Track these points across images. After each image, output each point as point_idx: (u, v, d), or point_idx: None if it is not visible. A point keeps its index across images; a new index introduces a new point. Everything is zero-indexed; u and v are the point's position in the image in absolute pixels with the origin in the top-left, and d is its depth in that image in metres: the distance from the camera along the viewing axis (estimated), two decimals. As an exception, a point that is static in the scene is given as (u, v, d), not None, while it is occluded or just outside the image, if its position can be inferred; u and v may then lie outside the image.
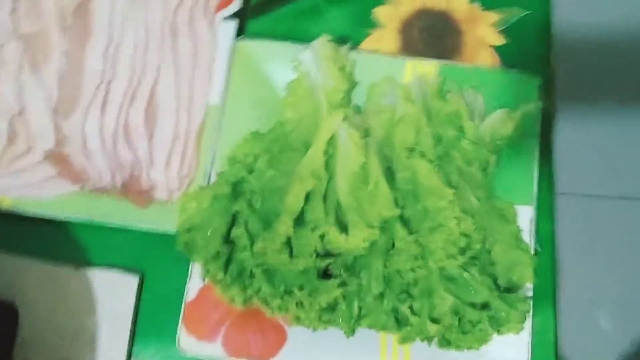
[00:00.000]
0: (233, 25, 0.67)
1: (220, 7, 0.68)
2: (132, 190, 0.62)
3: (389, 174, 0.59)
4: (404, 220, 0.56)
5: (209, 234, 0.58)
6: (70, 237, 0.64)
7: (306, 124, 0.62)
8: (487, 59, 0.67)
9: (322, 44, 0.62)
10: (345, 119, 0.60)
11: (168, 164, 0.63)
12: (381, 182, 0.57)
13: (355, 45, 0.68)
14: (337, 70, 0.62)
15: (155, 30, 0.67)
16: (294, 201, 0.56)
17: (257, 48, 0.66)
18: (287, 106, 0.63)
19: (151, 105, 0.65)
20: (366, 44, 0.69)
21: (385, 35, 0.69)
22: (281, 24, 0.70)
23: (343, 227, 0.56)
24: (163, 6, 0.68)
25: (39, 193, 0.62)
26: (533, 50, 0.67)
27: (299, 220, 0.56)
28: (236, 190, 0.60)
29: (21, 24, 0.68)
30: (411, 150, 0.59)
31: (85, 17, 0.67)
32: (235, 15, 0.67)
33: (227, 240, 0.58)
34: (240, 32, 0.67)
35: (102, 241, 0.63)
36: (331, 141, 0.60)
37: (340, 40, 0.68)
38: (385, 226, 0.56)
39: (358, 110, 0.64)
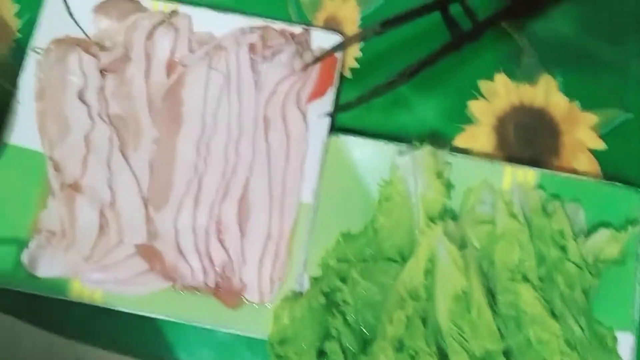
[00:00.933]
0: (326, 120, 0.65)
1: (311, 98, 0.67)
2: (224, 290, 0.62)
3: (489, 294, 0.58)
4: (506, 350, 0.55)
5: (303, 346, 0.58)
6: (158, 333, 0.63)
7: (401, 232, 0.61)
8: (585, 164, 0.65)
9: (423, 153, 0.61)
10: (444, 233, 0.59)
11: (261, 265, 0.62)
12: (484, 309, 0.56)
13: (448, 141, 0.67)
14: (436, 180, 0.60)
15: (247, 122, 0.66)
16: (395, 329, 0.55)
17: (351, 145, 0.65)
18: (381, 212, 0.62)
19: (244, 202, 0.64)
20: (459, 140, 0.67)
21: (479, 132, 0.67)
22: (371, 114, 0.68)
23: (442, 352, 0.56)
24: (256, 96, 0.66)
25: (129, 289, 0.62)
26: (636, 159, 0.65)
27: (398, 343, 0.56)
28: (330, 299, 0.60)
29: (109, 104, 0.67)
30: (513, 271, 0.58)
31: (175, 103, 0.66)
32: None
33: (321, 353, 0.58)
34: (330, 121, 0.66)
35: (190, 339, 0.63)
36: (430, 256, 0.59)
37: (432, 135, 0.67)
38: (487, 357, 0.55)
39: (453, 214, 0.63)
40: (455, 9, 0.65)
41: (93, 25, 0.69)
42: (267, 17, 0.69)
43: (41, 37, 0.68)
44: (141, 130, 0.66)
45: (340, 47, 0.65)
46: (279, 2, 0.71)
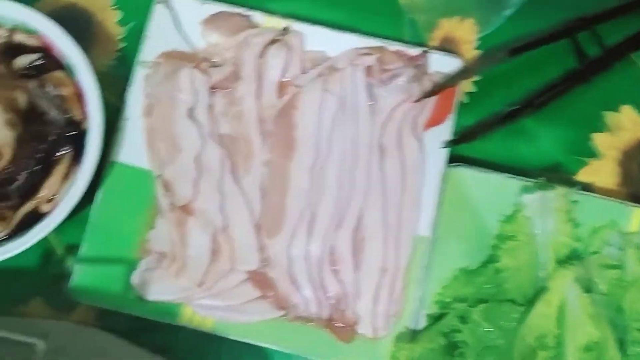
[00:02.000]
0: (444, 151, 0.63)
1: (428, 125, 0.64)
2: (337, 323, 0.61)
3: (618, 342, 0.56)
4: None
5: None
6: (267, 362, 0.63)
7: (525, 274, 0.59)
8: None
9: (555, 195, 0.58)
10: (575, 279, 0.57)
11: (376, 299, 0.61)
12: (617, 362, 0.54)
13: (569, 176, 0.64)
14: (567, 223, 0.58)
15: (362, 148, 0.63)
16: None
17: (470, 177, 0.62)
18: (504, 251, 0.60)
19: (358, 232, 0.62)
20: (582, 174, 0.65)
21: (603, 167, 0.65)
22: (487, 142, 0.65)
23: (571, 405, 0.54)
24: (371, 121, 0.64)
25: (240, 317, 0.61)
26: None
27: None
28: (449, 340, 0.58)
29: (219, 124, 0.65)
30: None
31: (288, 126, 0.64)
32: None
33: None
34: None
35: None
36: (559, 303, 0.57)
37: (554, 168, 0.65)
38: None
39: (577, 255, 0.60)
40: (583, 37, 0.62)
41: (201, 39, 0.67)
42: (380, 35, 0.66)
43: (149, 50, 0.65)
44: (252, 152, 0.64)
45: (463, 76, 0.62)
46: (393, 20, 0.69)
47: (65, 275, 0.64)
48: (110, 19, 0.69)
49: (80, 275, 0.61)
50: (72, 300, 0.62)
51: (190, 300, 0.61)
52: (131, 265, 0.62)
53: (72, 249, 0.64)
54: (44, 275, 0.64)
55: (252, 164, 0.64)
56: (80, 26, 0.66)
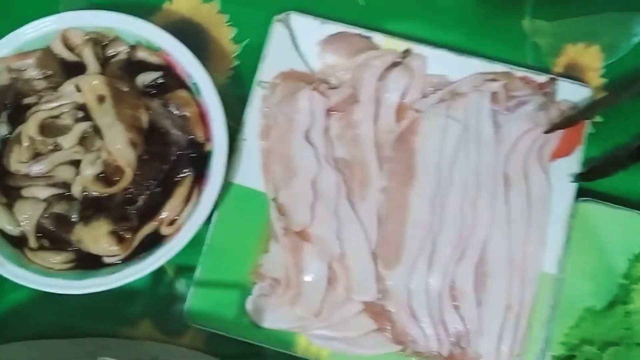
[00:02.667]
0: (571, 184, 0.60)
1: (555, 156, 0.62)
2: (457, 360, 0.59)
3: None
4: None
5: None
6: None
7: (660, 318, 0.56)
8: None
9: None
10: None
11: (500, 338, 0.58)
12: None
13: None
14: None
15: (486, 178, 0.61)
16: None
17: (599, 213, 0.60)
18: (637, 293, 0.57)
19: (480, 266, 0.60)
20: None
21: None
22: (617, 176, 0.62)
23: None
24: (495, 149, 0.62)
25: (357, 349, 0.59)
26: None
27: None
28: (578, 386, 0.56)
29: (335, 147, 0.64)
30: None
31: (407, 152, 0.62)
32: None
33: None
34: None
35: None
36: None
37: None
38: None
39: None
40: None
41: (318, 59, 0.65)
42: (501, 59, 0.63)
43: (267, 70, 0.64)
44: (369, 178, 0.62)
45: (598, 108, 0.60)
46: (516, 43, 0.66)
47: (176, 298, 0.63)
48: (225, 36, 0.68)
49: (195, 298, 0.60)
50: (182, 324, 0.61)
51: (306, 330, 0.60)
52: (244, 290, 0.61)
53: (183, 270, 0.63)
54: (154, 297, 0.63)
55: (369, 190, 0.62)
56: (194, 42, 0.65)
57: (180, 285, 0.63)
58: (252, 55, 0.66)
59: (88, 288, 0.56)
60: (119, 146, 0.57)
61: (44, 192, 0.58)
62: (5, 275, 0.56)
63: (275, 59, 0.64)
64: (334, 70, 0.65)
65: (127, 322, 0.63)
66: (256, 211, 0.63)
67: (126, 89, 0.59)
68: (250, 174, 0.63)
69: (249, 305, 0.60)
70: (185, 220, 0.57)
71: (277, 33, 0.64)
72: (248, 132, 0.63)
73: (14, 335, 0.63)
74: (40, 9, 0.64)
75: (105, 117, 0.58)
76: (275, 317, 0.60)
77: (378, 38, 0.65)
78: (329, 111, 0.64)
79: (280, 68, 0.64)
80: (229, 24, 0.68)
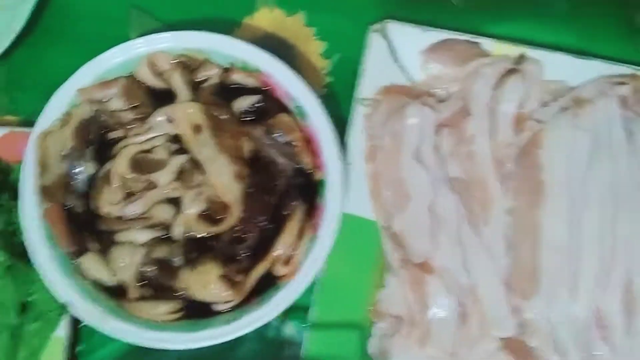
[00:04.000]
0: None
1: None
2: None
3: None
4: None
5: None
6: None
7: None
8: None
9: None
10: None
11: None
12: None
13: None
14: None
15: (623, 192, 0.55)
16: None
17: None
18: None
19: (629, 291, 0.54)
20: None
21: None
22: None
23: None
24: (630, 160, 0.56)
25: (497, 390, 0.53)
26: None
27: None
28: None
29: (448, 166, 0.58)
30: None
31: (533, 167, 0.56)
32: None
33: None
34: None
35: None
36: None
37: None
38: None
39: None
40: None
41: (420, 70, 0.59)
42: (623, 60, 0.58)
43: (367, 86, 0.58)
44: (490, 199, 0.56)
45: None
46: (628, 41, 0.60)
47: (285, 342, 0.57)
48: (314, 51, 0.62)
49: (313, 343, 0.54)
50: (295, 370, 0.55)
51: (440, 372, 0.54)
52: (363, 330, 0.55)
53: (291, 311, 0.57)
54: (262, 342, 0.57)
55: (492, 213, 0.56)
56: (282, 60, 0.60)
57: (289, 328, 0.57)
58: (346, 70, 0.60)
59: (203, 341, 0.49)
60: (224, 180, 0.51)
61: (142, 236, 0.52)
62: (108, 332, 0.50)
63: (375, 73, 0.59)
64: (439, 82, 0.60)
65: (234, 370, 0.57)
66: (368, 242, 0.57)
67: (225, 117, 0.53)
68: (358, 200, 0.57)
69: (371, 347, 0.54)
70: (303, 257, 0.51)
71: (374, 45, 0.59)
72: (352, 155, 0.57)
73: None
74: (110, 35, 0.59)
75: (205, 148, 0.52)
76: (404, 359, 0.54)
77: (488, 43, 0.59)
78: (437, 127, 0.58)
79: (380, 82, 0.59)
80: (317, 37, 0.62)
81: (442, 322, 0.54)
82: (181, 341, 0.50)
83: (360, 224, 0.57)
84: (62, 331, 0.54)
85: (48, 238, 0.51)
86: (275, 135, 0.54)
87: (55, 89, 0.57)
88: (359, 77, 0.58)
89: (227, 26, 0.62)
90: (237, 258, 0.52)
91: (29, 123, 0.60)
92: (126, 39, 0.57)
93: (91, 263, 0.51)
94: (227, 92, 0.55)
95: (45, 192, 0.52)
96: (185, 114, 0.53)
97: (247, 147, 0.53)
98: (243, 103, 0.54)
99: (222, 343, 0.54)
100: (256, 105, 0.54)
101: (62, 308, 0.54)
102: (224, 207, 0.52)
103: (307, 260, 0.51)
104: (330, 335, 0.55)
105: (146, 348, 0.51)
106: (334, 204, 0.52)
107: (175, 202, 0.53)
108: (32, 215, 0.51)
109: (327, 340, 0.55)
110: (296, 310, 0.56)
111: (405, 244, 0.56)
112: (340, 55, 0.62)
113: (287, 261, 0.52)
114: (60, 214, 0.52)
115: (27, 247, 0.50)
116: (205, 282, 0.50)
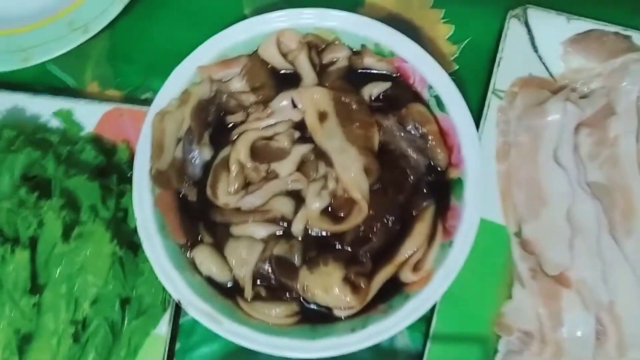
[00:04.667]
0: None
1: None
2: None
3: None
4: None
5: None
6: None
7: None
8: None
9: None
10: None
11: None
12: None
13: None
14: None
15: None
16: None
17: None
18: None
19: None
20: None
21: None
22: None
23: None
24: None
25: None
26: None
27: None
28: None
29: (587, 168, 0.52)
30: None
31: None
32: None
33: None
34: None
35: None
36: None
37: None
38: None
39: None
40: None
41: (561, 62, 0.54)
42: None
43: (502, 77, 0.53)
44: (634, 208, 0.51)
45: None
46: None
47: (398, 353, 0.53)
48: (441, 35, 0.57)
49: (433, 355, 0.50)
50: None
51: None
52: (487, 344, 0.51)
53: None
54: (374, 353, 0.53)
55: (636, 223, 0.51)
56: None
57: (402, 337, 0.53)
58: (475, 57, 0.56)
59: (324, 351, 0.45)
60: (352, 174, 0.47)
61: (261, 230, 0.47)
62: (223, 334, 0.46)
63: (511, 62, 0.54)
64: (579, 76, 0.54)
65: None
66: (495, 248, 0.52)
67: (355, 104, 0.48)
68: (486, 203, 0.52)
69: (503, 364, 0.50)
70: (436, 265, 0.47)
71: (512, 31, 0.54)
72: (482, 152, 0.52)
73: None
74: (217, 7, 0.55)
75: (332, 138, 0.48)
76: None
77: (639, 38, 0.53)
78: (576, 126, 0.53)
79: (517, 73, 0.54)
80: (445, 20, 0.57)
81: (577, 341, 0.49)
82: (301, 349, 0.45)
83: (487, 229, 0.52)
84: (162, 328, 0.51)
85: (160, 228, 0.47)
86: (407, 126, 0.49)
87: (159, 62, 0.53)
88: (495, 66, 0.53)
89: (350, 5, 0.56)
90: (359, 260, 0.47)
91: (133, 99, 0.57)
92: (236, 11, 0.53)
93: (205, 257, 0.47)
94: (355, 77, 0.50)
95: (159, 177, 0.48)
96: (311, 99, 0.48)
97: (376, 139, 0.48)
98: (373, 90, 0.50)
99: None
100: (387, 93, 0.50)
101: (166, 304, 0.51)
102: (348, 204, 0.47)
103: (441, 269, 0.46)
104: (452, 348, 0.50)
105: (247, 351, 0.47)
106: (473, 206, 0.47)
107: (293, 195, 0.48)
108: (146, 203, 0.47)
109: (448, 354, 0.50)
110: (412, 319, 0.52)
111: (538, 253, 0.51)
112: (469, 40, 0.57)
113: (415, 267, 0.47)
114: (174, 202, 0.48)
115: (139, 237, 0.46)
116: (328, 285, 0.46)
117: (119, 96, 0.57)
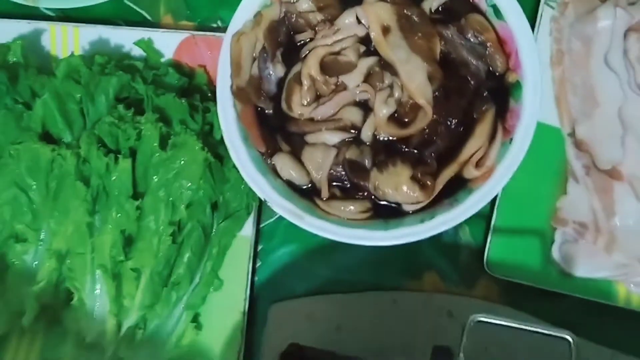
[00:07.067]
0: None
1: None
2: None
3: None
4: None
5: None
6: None
7: None
8: None
9: None
10: None
11: None
12: None
13: None
14: None
15: None
16: None
17: None
18: None
19: None
20: None
21: None
22: None
23: None
24: None
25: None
26: None
27: None
28: None
29: (636, 71, 0.55)
30: None
31: None
32: None
33: None
34: None
35: None
36: None
37: None
38: None
39: None
40: None
41: (610, -30, 0.56)
42: None
43: (552, -13, 0.56)
44: None
45: None
46: None
47: (460, 247, 0.58)
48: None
49: (495, 248, 0.55)
50: (471, 275, 0.56)
51: (628, 278, 0.53)
52: (545, 236, 0.55)
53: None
54: (437, 247, 0.58)
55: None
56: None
57: (464, 233, 0.58)
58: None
59: (397, 239, 0.50)
60: (417, 82, 0.51)
61: (334, 137, 0.52)
62: (305, 227, 0.51)
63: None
64: (628, -17, 0.57)
65: (410, 275, 0.58)
66: (550, 149, 0.56)
67: (416, 17, 0.52)
68: (541, 107, 0.55)
69: (555, 253, 0.54)
70: (497, 161, 0.51)
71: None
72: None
73: (289, 291, 0.58)
74: None
75: (397, 50, 0.51)
76: (590, 265, 0.54)
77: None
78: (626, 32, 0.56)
79: (570, -17, 0.56)
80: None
81: (629, 229, 0.53)
82: (376, 238, 0.50)
83: (543, 131, 0.55)
84: (247, 230, 0.57)
85: (244, 139, 0.52)
86: (467, 35, 0.52)
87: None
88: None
89: None
90: (425, 161, 0.51)
91: (205, 28, 0.61)
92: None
93: (284, 163, 0.52)
94: (417, -10, 0.54)
95: (239, 93, 0.52)
96: (375, 15, 0.52)
97: (438, 48, 0.52)
98: (433, 2, 0.53)
99: (400, 248, 0.55)
100: (446, 5, 0.53)
101: (249, 209, 0.56)
102: (413, 110, 0.52)
103: (502, 164, 0.50)
104: (511, 241, 0.55)
105: (320, 250, 0.52)
106: (532, 107, 0.50)
107: (361, 104, 0.53)
108: (230, 116, 0.52)
109: (509, 246, 0.55)
110: (472, 216, 0.56)
111: (591, 150, 0.55)
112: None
113: (478, 164, 0.51)
114: (254, 116, 0.53)
115: (226, 146, 0.51)
116: (397, 183, 0.51)
117: (192, 26, 0.62)
